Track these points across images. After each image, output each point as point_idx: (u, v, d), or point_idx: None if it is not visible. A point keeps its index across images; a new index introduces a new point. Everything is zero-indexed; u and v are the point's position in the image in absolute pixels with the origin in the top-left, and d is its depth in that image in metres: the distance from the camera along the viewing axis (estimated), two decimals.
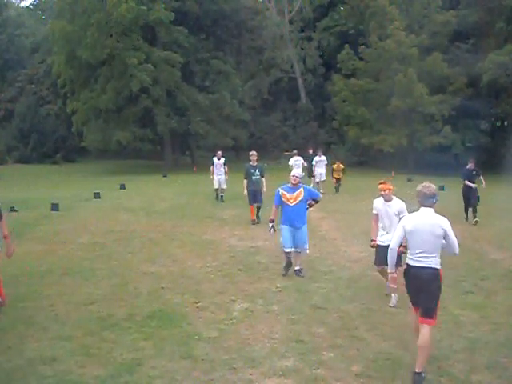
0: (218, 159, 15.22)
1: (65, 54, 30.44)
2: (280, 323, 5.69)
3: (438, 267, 4.48)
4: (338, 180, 18.19)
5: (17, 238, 10.03)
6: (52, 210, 13.60)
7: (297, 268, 7.52)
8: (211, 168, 15.30)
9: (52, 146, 39.54)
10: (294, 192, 7.39)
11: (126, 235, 10.43)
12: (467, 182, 11.87)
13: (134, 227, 11.32)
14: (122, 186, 19.67)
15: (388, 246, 5.30)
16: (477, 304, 6.28)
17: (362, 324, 5.63)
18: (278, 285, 7.07)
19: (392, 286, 5.18)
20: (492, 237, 10.39)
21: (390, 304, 6.21)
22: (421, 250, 4.47)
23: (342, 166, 18.22)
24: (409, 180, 22.63)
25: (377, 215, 6.46)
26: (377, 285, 6.97)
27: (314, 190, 7.93)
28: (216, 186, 15.23)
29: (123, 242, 9.83)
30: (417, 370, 4.31)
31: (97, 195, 16.54)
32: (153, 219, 12.39)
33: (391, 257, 4.77)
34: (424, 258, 4.45)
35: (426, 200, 4.53)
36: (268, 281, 7.29)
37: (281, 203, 7.44)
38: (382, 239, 6.42)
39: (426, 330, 4.39)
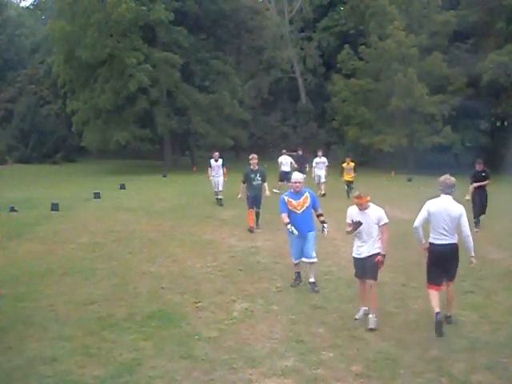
0: (216, 161, 14.70)
1: (64, 54, 30.45)
2: (280, 323, 5.69)
3: (457, 242, 5.51)
4: (350, 183, 15.77)
5: (17, 238, 10.07)
6: (52, 209, 13.59)
7: (311, 280, 6.90)
8: (209, 170, 14.79)
9: (52, 146, 39.53)
10: (300, 198, 6.89)
11: (125, 235, 10.43)
12: (475, 184, 11.07)
13: (134, 227, 11.31)
14: (122, 186, 19.67)
15: (365, 257, 5.65)
16: (477, 304, 6.27)
17: (362, 324, 5.63)
18: (278, 285, 7.08)
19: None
20: (492, 237, 10.37)
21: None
22: (443, 230, 5.43)
23: (352, 164, 16.07)
24: (409, 180, 22.68)
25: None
26: (376, 285, 6.96)
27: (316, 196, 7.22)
28: (215, 189, 14.69)
29: (123, 242, 9.83)
30: (449, 314, 5.60)
31: (97, 195, 16.53)
32: (153, 219, 12.38)
33: (418, 234, 5.59)
34: (445, 237, 5.43)
35: (447, 189, 5.53)
36: (268, 281, 7.29)
37: (288, 211, 6.89)
38: (358, 251, 5.78)
39: (452, 288, 5.61)
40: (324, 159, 17.10)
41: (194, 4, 30.69)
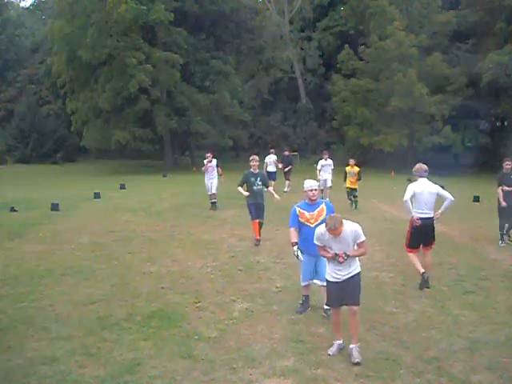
0: (210, 161, 14.03)
1: (65, 54, 30.48)
2: (280, 323, 5.68)
3: (433, 215, 6.99)
4: (353, 191, 14.03)
5: (17, 238, 10.06)
6: (52, 209, 13.58)
7: (326, 307, 5.72)
8: (203, 168, 14.26)
9: (52, 145, 39.59)
10: (314, 210, 5.83)
11: (125, 235, 10.42)
12: (506, 188, 9.38)
13: (134, 227, 11.30)
14: (122, 186, 19.66)
15: (345, 280, 4.89)
16: (477, 304, 6.27)
17: (361, 324, 5.62)
18: (278, 285, 7.07)
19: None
20: (492, 237, 10.36)
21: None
22: (425, 206, 6.90)
23: (357, 169, 14.03)
24: (409, 180, 22.58)
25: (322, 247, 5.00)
26: (376, 285, 6.97)
27: (331, 205, 6.10)
28: (209, 192, 14.05)
29: (123, 242, 9.82)
30: (424, 271, 6.85)
31: (97, 195, 16.53)
32: (153, 219, 12.38)
33: (407, 206, 6.92)
34: (427, 211, 6.92)
35: (423, 173, 7.00)
36: (268, 281, 7.29)
37: (298, 224, 5.89)
38: (337, 275, 4.91)
39: (429, 254, 7.15)
40: (330, 161, 15.67)
41: (194, 4, 30.73)
